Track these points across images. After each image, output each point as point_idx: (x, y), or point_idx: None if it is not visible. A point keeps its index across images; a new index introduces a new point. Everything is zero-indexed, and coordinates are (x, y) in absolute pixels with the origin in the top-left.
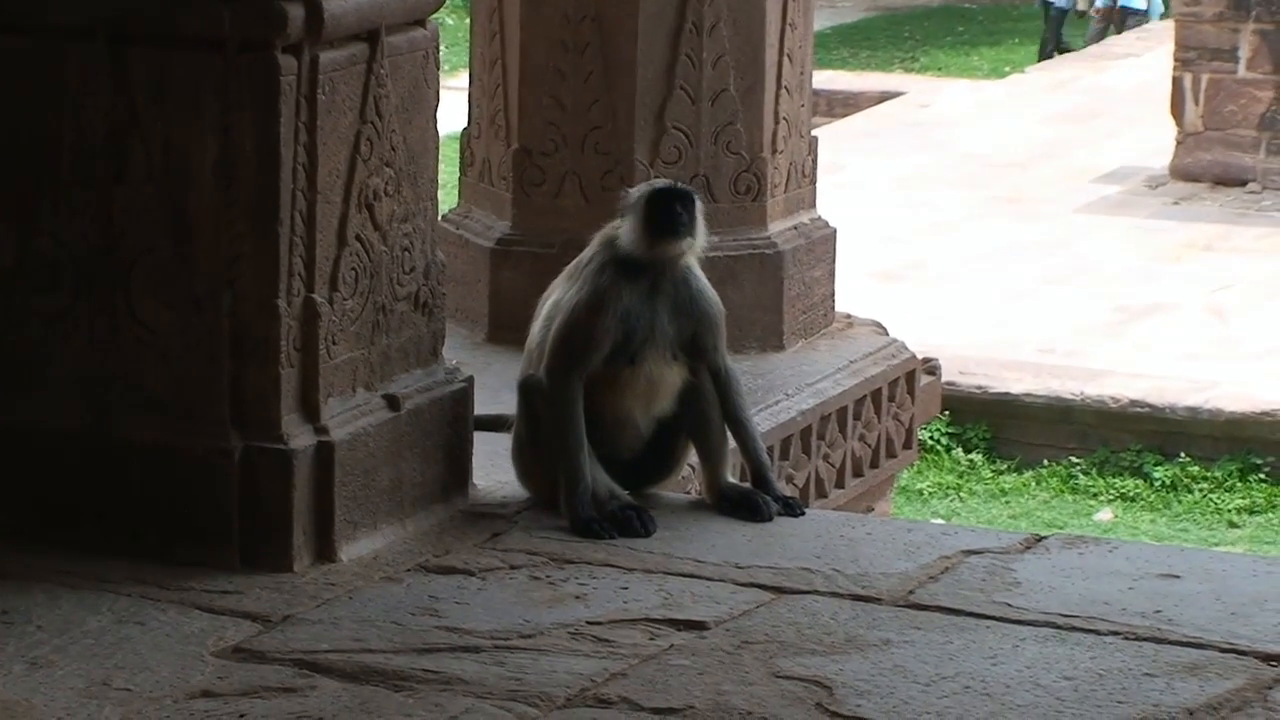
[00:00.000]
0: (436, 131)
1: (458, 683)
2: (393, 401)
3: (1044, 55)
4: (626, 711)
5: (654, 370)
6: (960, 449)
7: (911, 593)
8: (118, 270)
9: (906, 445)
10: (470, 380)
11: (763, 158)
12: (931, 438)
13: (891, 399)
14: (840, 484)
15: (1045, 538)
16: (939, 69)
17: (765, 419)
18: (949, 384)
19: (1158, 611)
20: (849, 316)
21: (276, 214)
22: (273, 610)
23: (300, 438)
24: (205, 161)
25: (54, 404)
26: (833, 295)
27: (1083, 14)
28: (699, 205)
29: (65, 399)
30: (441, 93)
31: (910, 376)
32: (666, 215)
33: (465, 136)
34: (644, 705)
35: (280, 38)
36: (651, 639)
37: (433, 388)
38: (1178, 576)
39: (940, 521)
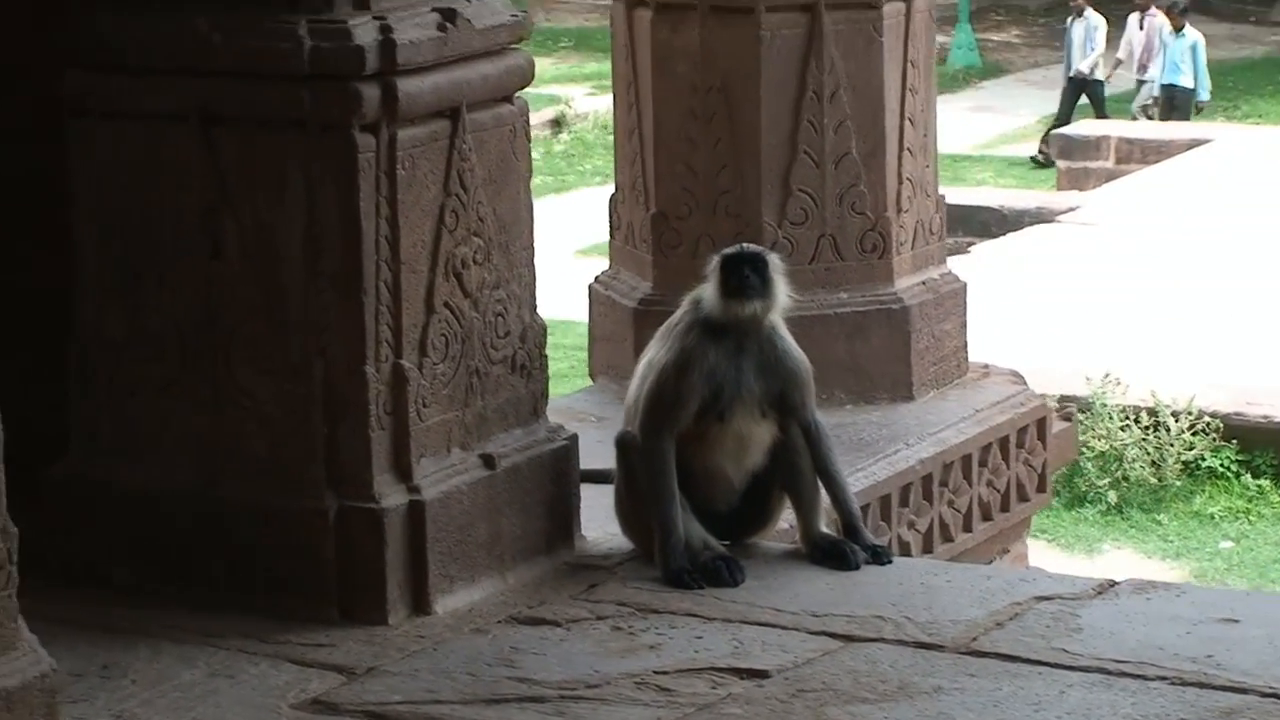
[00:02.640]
0: (530, 201)
1: None
2: (489, 460)
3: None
4: None
5: (743, 426)
6: (1249, 475)
7: (974, 639)
8: (218, 341)
9: (1040, 489)
10: (573, 438)
11: (887, 217)
12: (1221, 464)
13: (1021, 445)
14: (968, 528)
15: (1118, 583)
16: (1259, 117)
17: (884, 468)
18: (1237, 414)
19: (1209, 656)
20: (986, 367)
21: (361, 284)
22: (359, 662)
23: (392, 497)
24: (293, 236)
25: (165, 468)
26: (965, 346)
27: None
28: (775, 266)
29: (175, 463)
30: None
31: (1042, 423)
32: (736, 278)
33: (612, 202)
34: None
35: (357, 117)
36: (713, 688)
37: (532, 446)
38: (1236, 621)
39: (1035, 567)
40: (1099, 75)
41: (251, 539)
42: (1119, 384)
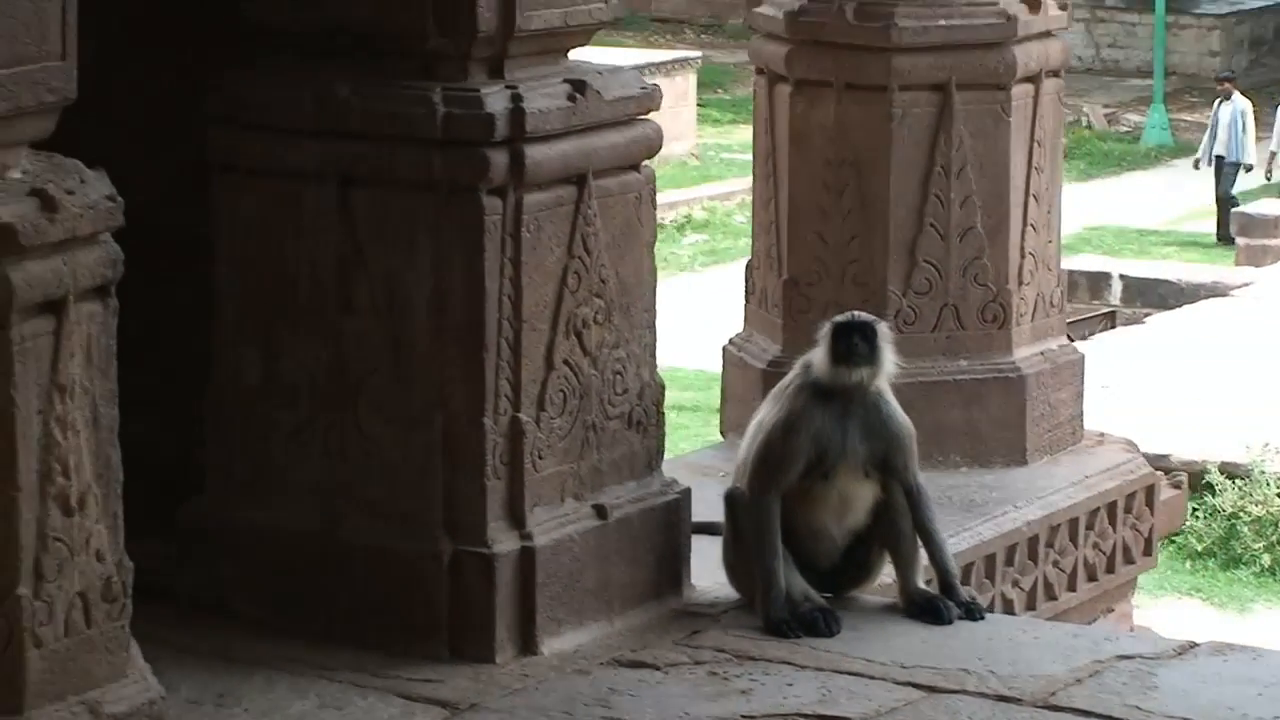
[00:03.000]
0: (653, 265)
1: None
2: (601, 511)
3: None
4: None
5: (846, 486)
6: None
7: (1053, 694)
8: (346, 390)
9: (1146, 553)
10: (686, 491)
11: (1008, 289)
12: None
13: (1129, 510)
14: (1072, 588)
15: (1198, 645)
16: None
17: (991, 528)
18: None
19: (1276, 718)
20: (1101, 435)
21: (483, 340)
22: (463, 698)
23: (504, 543)
24: (420, 292)
25: (292, 508)
26: (1081, 415)
27: (1250, 169)
28: (883, 334)
29: (301, 504)
30: None
31: (1150, 490)
32: (845, 345)
33: (748, 268)
34: None
35: (484, 181)
36: None
37: (645, 498)
38: None
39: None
40: (1248, 160)
41: (369, 578)
42: (1277, 453)
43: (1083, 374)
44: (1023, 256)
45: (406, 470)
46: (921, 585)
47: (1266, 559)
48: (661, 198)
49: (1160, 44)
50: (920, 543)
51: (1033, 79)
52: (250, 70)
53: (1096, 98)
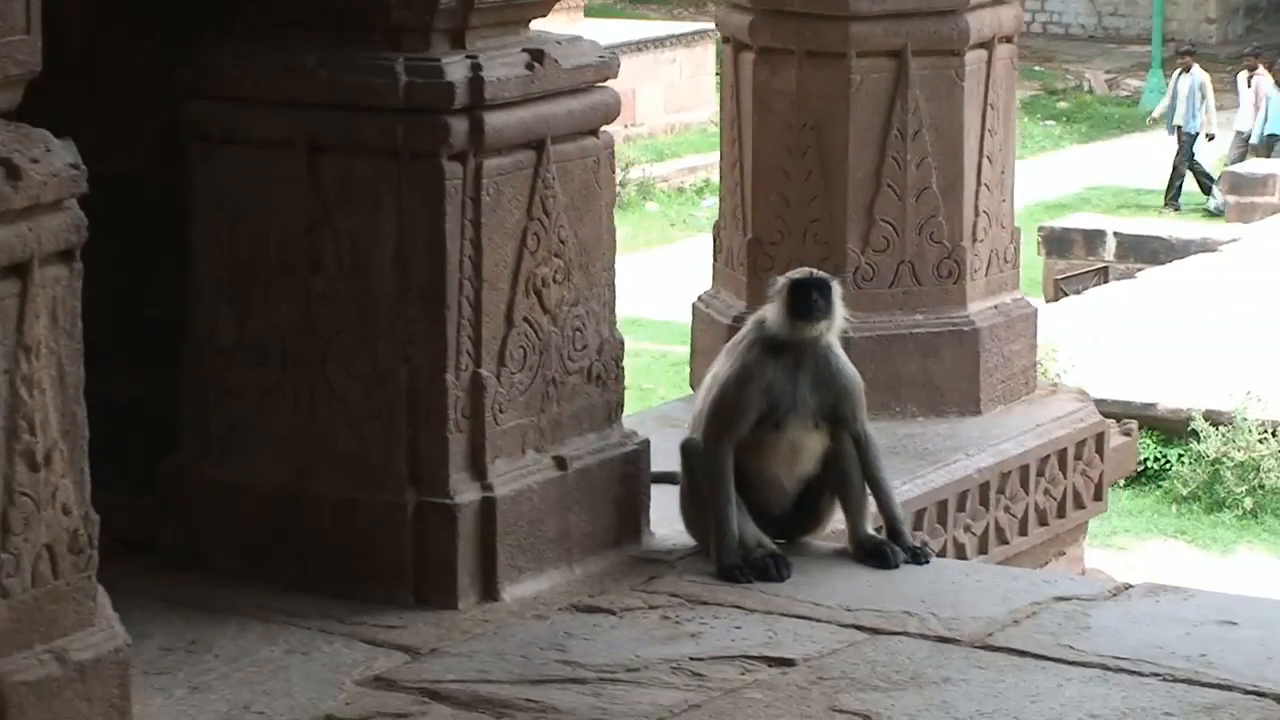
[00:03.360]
0: (612, 226)
1: (552, 711)
2: (561, 462)
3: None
4: None
5: (796, 436)
6: None
7: (990, 635)
8: (315, 348)
9: (1096, 498)
10: (645, 443)
11: (962, 246)
12: None
13: (1079, 457)
14: (1024, 532)
15: (1133, 586)
16: None
17: (943, 475)
18: None
19: (1203, 655)
20: (1055, 385)
21: (444, 299)
22: (424, 643)
23: (466, 493)
24: (385, 254)
25: (263, 463)
26: (1034, 366)
27: (1211, 138)
28: (836, 291)
29: (273, 458)
30: None
31: (1100, 438)
32: (804, 301)
33: (716, 227)
34: None
35: (445, 147)
36: (742, 674)
37: (605, 450)
38: (1235, 624)
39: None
40: (1205, 130)
41: (338, 529)
42: (1259, 400)
43: (1036, 326)
44: (976, 215)
45: (372, 425)
46: (870, 531)
47: (1248, 502)
48: (681, 163)
49: (1159, 12)
50: (869, 491)
51: (986, 45)
52: (222, 41)
53: (1098, 64)
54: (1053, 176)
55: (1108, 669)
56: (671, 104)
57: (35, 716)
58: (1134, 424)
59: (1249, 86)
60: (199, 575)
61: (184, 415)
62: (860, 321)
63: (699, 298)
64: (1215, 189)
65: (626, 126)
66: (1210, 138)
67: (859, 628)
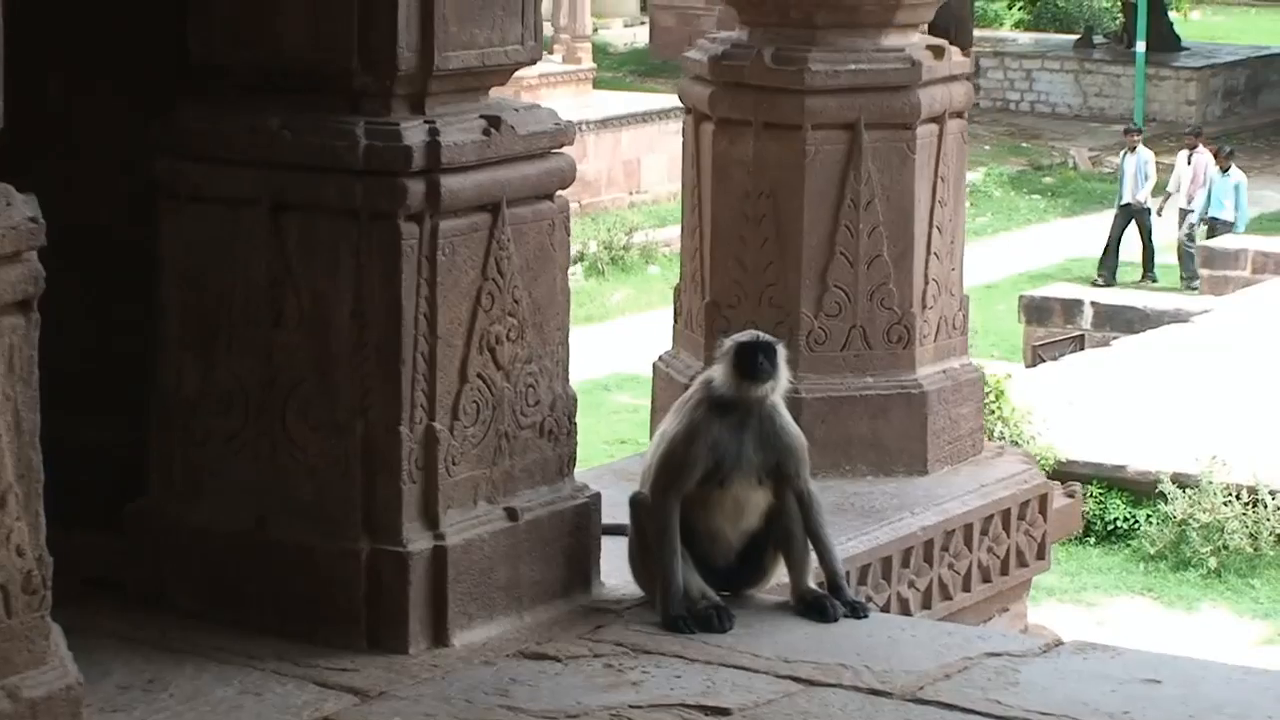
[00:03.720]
0: (567, 286)
1: None
2: (512, 513)
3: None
4: None
5: (741, 492)
6: None
7: (921, 689)
8: (276, 399)
9: (1039, 556)
10: (596, 496)
11: (912, 313)
12: None
13: (1022, 518)
14: (967, 588)
15: (1063, 643)
16: None
17: (888, 533)
18: None
19: (1125, 712)
20: (1001, 447)
21: (399, 355)
22: (374, 686)
23: (419, 542)
24: (344, 309)
25: (225, 509)
26: (981, 429)
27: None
28: (781, 354)
29: (234, 504)
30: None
31: (1044, 499)
32: (751, 363)
33: (676, 290)
34: None
35: (402, 208)
36: None
37: (556, 502)
38: (1159, 682)
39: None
40: (1150, 205)
41: (294, 574)
42: (1224, 464)
43: (981, 390)
44: (926, 283)
45: (329, 474)
46: (812, 585)
47: (1213, 562)
48: (674, 231)
49: (1140, 94)
50: (810, 545)
51: (937, 119)
52: (192, 103)
53: (1082, 142)
54: (1036, 248)
55: None
56: (674, 172)
57: None
58: (1077, 486)
59: (1188, 164)
60: (162, 615)
61: (150, 460)
62: (812, 383)
63: (660, 357)
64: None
65: (631, 193)
66: (1149, 212)
67: (795, 679)
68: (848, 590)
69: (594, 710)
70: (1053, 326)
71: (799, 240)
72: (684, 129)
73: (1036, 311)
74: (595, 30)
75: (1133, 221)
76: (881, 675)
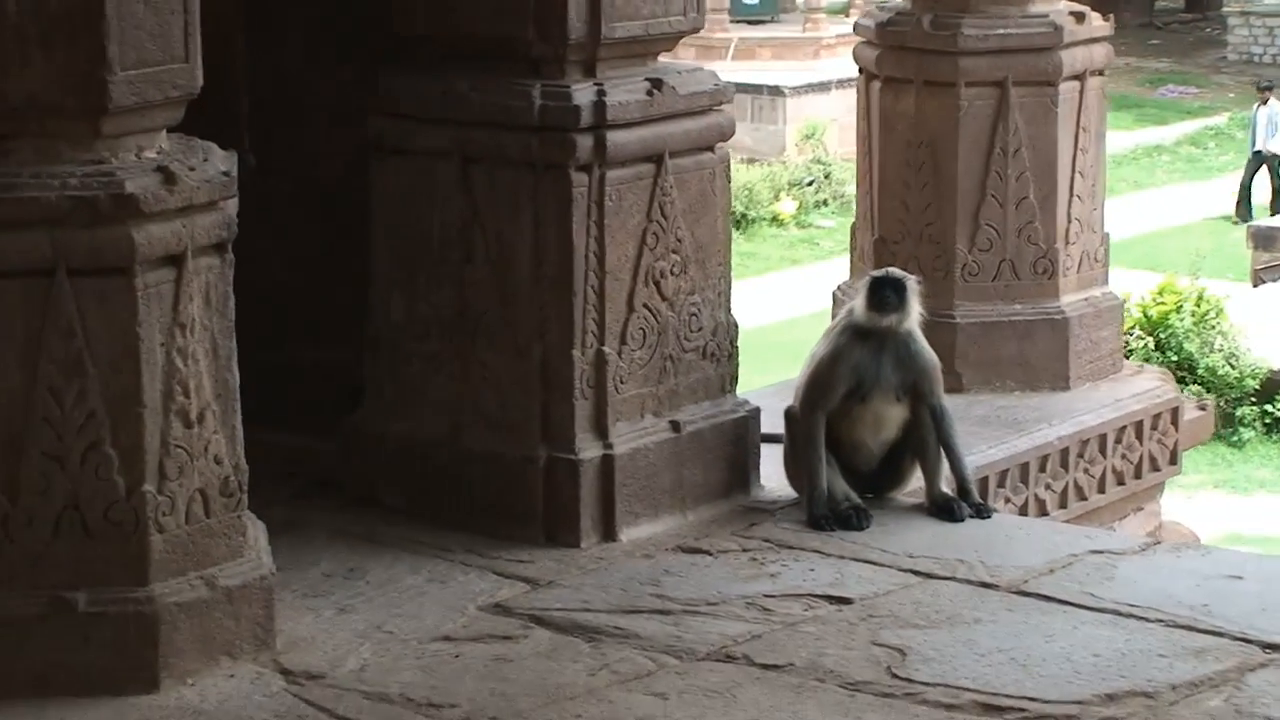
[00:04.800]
0: (727, 227)
1: (634, 638)
2: (675, 425)
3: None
4: (740, 665)
5: (880, 408)
6: None
7: (1026, 582)
8: (467, 327)
9: (1171, 462)
10: (755, 410)
11: (1056, 248)
12: None
13: (1155, 428)
14: (1102, 490)
15: (1161, 543)
16: None
17: (1026, 442)
18: None
19: (1205, 605)
20: (1142, 366)
21: (571, 288)
22: (544, 576)
23: (589, 450)
24: (524, 249)
25: (424, 421)
26: (1120, 349)
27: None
28: (911, 288)
29: (433, 417)
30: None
31: (1175, 411)
32: (879, 296)
33: (852, 228)
34: (755, 661)
35: (572, 160)
36: (805, 610)
37: (717, 415)
38: (1240, 578)
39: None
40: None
41: (483, 478)
42: None
43: (1121, 316)
44: (1069, 221)
45: (512, 391)
46: (943, 489)
47: None
48: None
49: None
50: (943, 454)
51: (1079, 77)
52: (398, 70)
53: None
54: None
55: (1119, 614)
56: None
57: (187, 633)
58: (1210, 400)
59: None
60: (370, 512)
61: (365, 379)
62: (967, 309)
63: (838, 287)
64: None
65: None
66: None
67: (915, 572)
68: (974, 494)
69: (732, 599)
70: (1275, 252)
71: (954, 184)
72: (858, 87)
73: (1263, 239)
74: None
75: (1263, 166)
76: (993, 570)
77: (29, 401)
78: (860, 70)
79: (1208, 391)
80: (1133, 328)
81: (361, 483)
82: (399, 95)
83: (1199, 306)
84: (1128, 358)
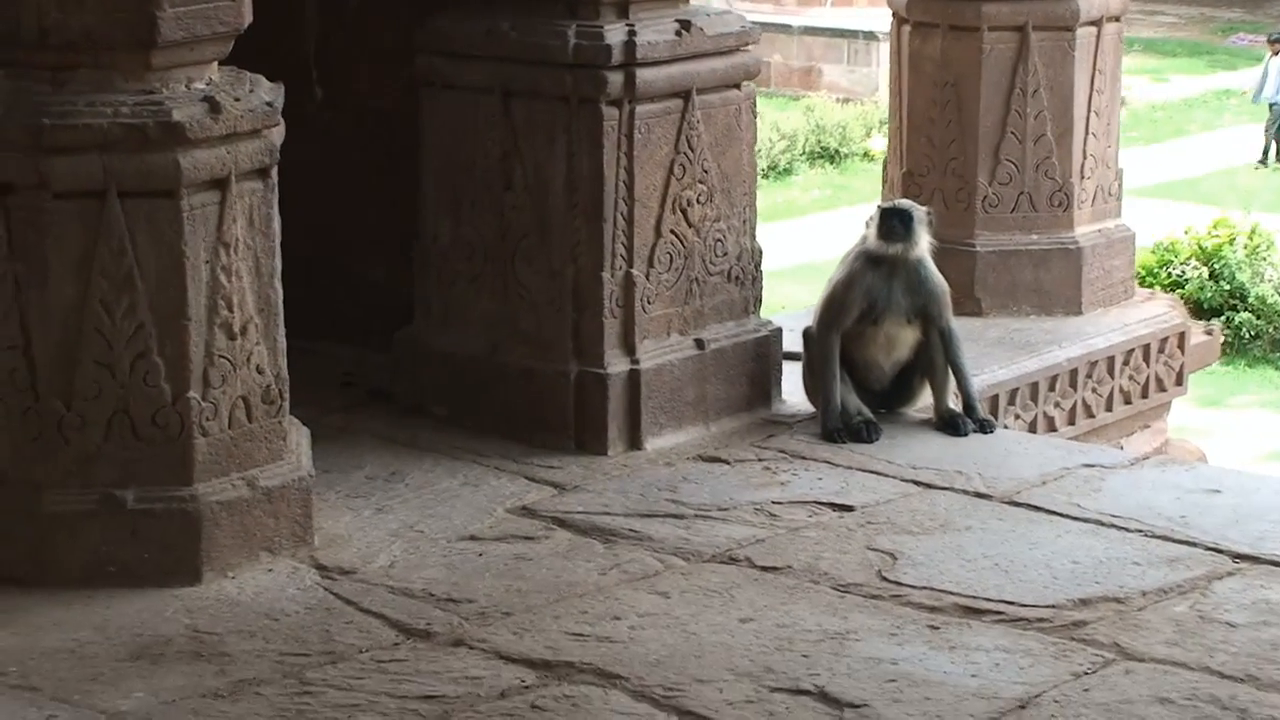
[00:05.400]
0: (753, 159)
1: (647, 540)
2: (700, 343)
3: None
4: (741, 567)
5: (891, 330)
6: None
7: (1018, 493)
8: (507, 249)
9: (1178, 383)
10: (777, 330)
11: (1071, 182)
12: None
13: (1162, 351)
14: (1110, 409)
15: (1150, 458)
16: None
17: (1036, 363)
18: None
19: (1183, 516)
20: (1153, 293)
21: (602, 214)
22: (570, 481)
23: (617, 365)
24: (558, 177)
25: (467, 336)
26: (1131, 278)
27: None
28: (918, 219)
29: (475, 333)
30: None
31: (1182, 336)
32: (887, 226)
33: (884, 161)
34: (756, 563)
35: (603, 95)
36: (809, 516)
37: (740, 334)
38: (1219, 492)
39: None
40: None
41: (519, 390)
42: None
43: (1133, 247)
44: (1084, 157)
45: (547, 309)
46: (950, 405)
47: None
48: None
49: None
50: (951, 374)
51: (1095, 23)
52: (446, 10)
53: None
54: None
55: (1101, 524)
56: None
57: (228, 529)
58: (1216, 325)
59: None
60: (417, 421)
61: (414, 296)
62: (986, 239)
63: (869, 217)
64: None
65: None
66: None
67: (916, 482)
68: (979, 410)
69: (742, 504)
70: None
71: (976, 122)
72: (890, 31)
73: None
74: None
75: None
76: (989, 481)
77: (82, 313)
78: (893, 14)
79: (1258, 319)
80: (1190, 258)
81: (410, 393)
82: (447, 34)
83: (1251, 239)
84: (1183, 285)
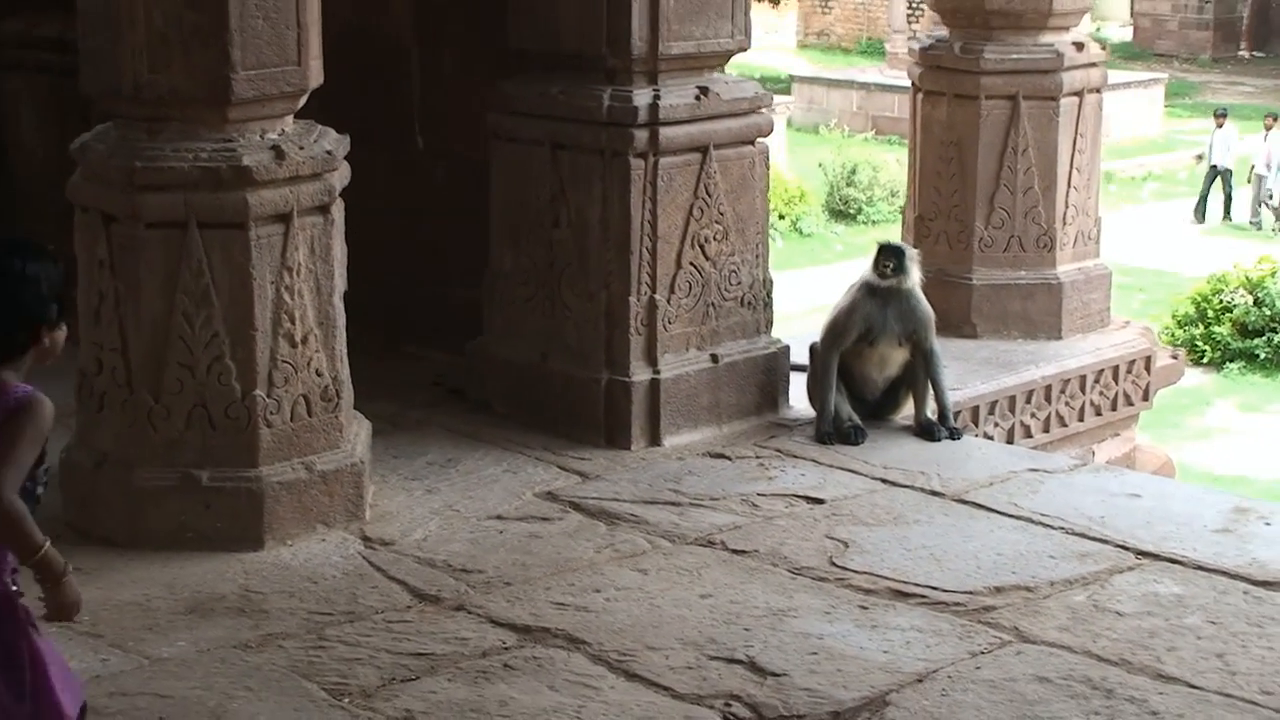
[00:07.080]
0: (765, 205)
1: (643, 523)
2: (714, 358)
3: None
4: (715, 550)
5: (884, 350)
6: None
7: (967, 492)
8: (554, 275)
9: (1144, 399)
10: (785, 347)
11: (1054, 228)
12: None
13: (1129, 371)
14: (1081, 419)
15: (1088, 464)
16: None
17: (1014, 379)
18: None
19: (1102, 516)
20: (1127, 323)
21: (629, 248)
22: (594, 471)
23: (641, 375)
24: (595, 217)
25: (522, 348)
26: (1107, 309)
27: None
28: (909, 255)
29: (528, 345)
30: None
31: (1149, 359)
32: (883, 263)
33: (903, 207)
34: (729, 547)
35: (631, 149)
36: (786, 507)
37: (751, 350)
38: (1139, 496)
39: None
40: (1231, 167)
41: (562, 393)
42: None
43: (1109, 283)
44: (1066, 207)
45: (585, 327)
46: (928, 415)
47: None
48: (1130, 162)
49: None
50: (930, 388)
51: (1077, 94)
52: (509, 75)
53: None
54: None
55: (1030, 522)
56: (1131, 123)
57: (287, 505)
58: (1182, 350)
59: (1264, 141)
60: (481, 416)
61: (482, 313)
62: (982, 275)
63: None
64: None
65: (1105, 136)
66: (1231, 172)
67: (884, 480)
68: (951, 420)
69: (731, 495)
70: None
71: (975, 175)
72: (910, 98)
73: None
74: (1098, 28)
75: (1219, 179)
76: (945, 481)
77: (168, 323)
78: (911, 84)
79: None
80: (1238, 287)
81: (478, 393)
82: (511, 96)
83: None
84: (1232, 310)
